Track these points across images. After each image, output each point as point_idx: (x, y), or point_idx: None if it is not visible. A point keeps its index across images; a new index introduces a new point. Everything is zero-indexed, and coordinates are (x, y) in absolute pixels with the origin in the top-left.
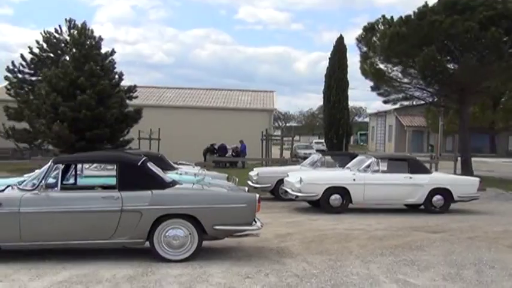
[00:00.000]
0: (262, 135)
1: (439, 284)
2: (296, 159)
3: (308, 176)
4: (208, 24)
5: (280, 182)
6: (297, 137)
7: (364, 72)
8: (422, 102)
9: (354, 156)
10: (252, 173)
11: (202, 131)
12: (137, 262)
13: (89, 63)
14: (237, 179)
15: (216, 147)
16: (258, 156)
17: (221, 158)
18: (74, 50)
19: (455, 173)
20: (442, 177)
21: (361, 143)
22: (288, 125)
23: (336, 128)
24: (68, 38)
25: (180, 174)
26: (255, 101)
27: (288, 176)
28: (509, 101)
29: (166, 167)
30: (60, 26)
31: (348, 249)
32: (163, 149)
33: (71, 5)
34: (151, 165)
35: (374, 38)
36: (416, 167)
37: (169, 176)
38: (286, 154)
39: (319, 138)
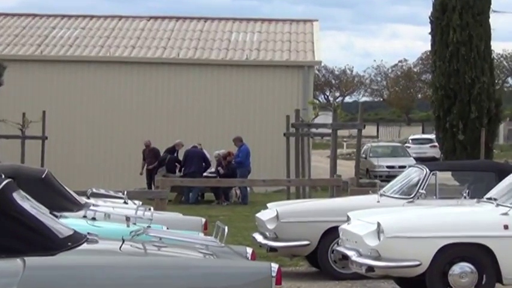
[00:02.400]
0: (289, 126)
1: None
2: (370, 180)
3: (397, 221)
4: None
5: (331, 234)
6: (369, 129)
7: None
8: None
9: (505, 171)
10: (263, 216)
11: (151, 119)
12: None
13: None
14: (226, 229)
15: (176, 155)
16: (280, 174)
17: (188, 180)
18: None
19: None
20: None
21: None
22: (348, 99)
23: (461, 107)
24: None
25: (93, 218)
26: (270, 44)
27: (349, 220)
28: None
29: (61, 201)
30: None
31: None
32: (55, 161)
33: None
34: (21, 199)
35: None
36: None
37: (69, 223)
38: (347, 168)
39: (423, 132)
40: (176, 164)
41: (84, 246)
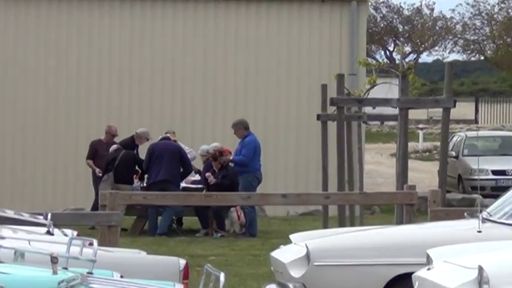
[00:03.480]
0: (326, 103)
1: None
2: (464, 194)
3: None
4: None
5: (400, 286)
6: (462, 107)
7: None
8: None
9: None
10: (284, 255)
11: (101, 91)
12: None
13: None
14: (222, 277)
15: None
16: (311, 184)
17: (156, 194)
18: None
19: None
20: None
21: None
22: (425, 58)
23: None
24: None
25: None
26: None
27: (430, 262)
28: None
29: None
30: None
31: None
32: None
33: None
34: None
35: None
36: None
37: None
38: (425, 175)
39: None
40: (135, 166)
41: None
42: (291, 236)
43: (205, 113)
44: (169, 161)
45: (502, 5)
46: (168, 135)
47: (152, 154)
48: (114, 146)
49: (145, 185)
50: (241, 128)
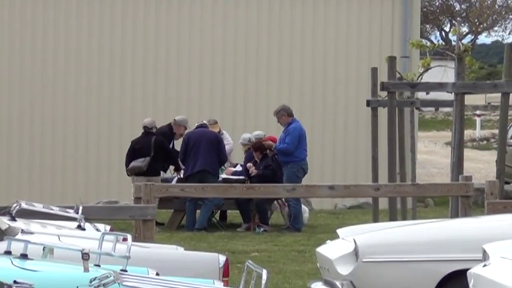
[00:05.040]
0: (376, 88)
1: None
2: None
3: None
4: None
5: (455, 284)
6: None
7: None
8: None
9: None
10: (331, 251)
11: (124, 79)
12: None
13: None
14: (265, 274)
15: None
16: (360, 175)
17: (194, 186)
18: None
19: None
20: None
21: None
22: (483, 39)
23: None
24: None
25: (24, 255)
26: None
27: (486, 258)
28: None
29: None
30: None
31: None
32: None
33: None
34: None
35: None
36: None
37: None
38: (483, 165)
39: None
40: (162, 155)
41: None
42: (339, 231)
43: (247, 99)
44: (206, 150)
45: None
46: (204, 122)
47: (188, 143)
48: (148, 125)
49: (182, 176)
50: (284, 114)
